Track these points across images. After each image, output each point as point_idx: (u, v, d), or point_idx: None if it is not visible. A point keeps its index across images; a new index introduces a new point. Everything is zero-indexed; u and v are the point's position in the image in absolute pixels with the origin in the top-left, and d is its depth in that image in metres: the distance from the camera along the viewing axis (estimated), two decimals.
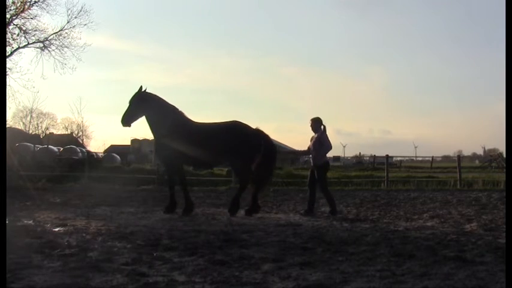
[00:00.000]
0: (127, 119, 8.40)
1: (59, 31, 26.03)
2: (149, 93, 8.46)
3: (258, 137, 8.39)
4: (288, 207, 9.78)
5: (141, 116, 8.45)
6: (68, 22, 26.14)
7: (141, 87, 8.39)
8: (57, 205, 9.82)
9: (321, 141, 8.34)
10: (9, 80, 25.12)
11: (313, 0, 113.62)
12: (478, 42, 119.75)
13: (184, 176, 8.80)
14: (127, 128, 8.52)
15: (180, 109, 8.55)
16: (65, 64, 26.19)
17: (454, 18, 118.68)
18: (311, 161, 8.60)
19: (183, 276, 3.94)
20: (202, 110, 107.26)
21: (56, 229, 6.49)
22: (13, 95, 26.49)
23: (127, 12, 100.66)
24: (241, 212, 8.26)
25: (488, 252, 4.87)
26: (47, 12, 25.46)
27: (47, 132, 56.99)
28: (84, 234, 5.97)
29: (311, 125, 8.56)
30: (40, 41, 25.90)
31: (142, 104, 8.33)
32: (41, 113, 55.61)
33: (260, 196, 8.75)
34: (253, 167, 8.34)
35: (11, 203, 8.97)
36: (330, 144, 8.50)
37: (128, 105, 8.39)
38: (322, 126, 8.51)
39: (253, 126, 8.57)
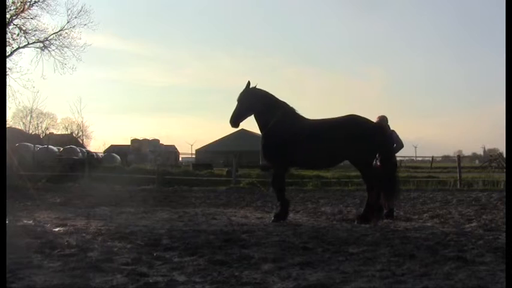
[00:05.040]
0: (235, 119, 7.74)
1: (59, 31, 26.11)
2: (257, 89, 7.80)
3: (379, 133, 7.47)
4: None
5: (250, 115, 7.80)
6: (68, 22, 26.22)
7: (248, 82, 7.74)
8: (57, 205, 9.82)
9: (392, 140, 7.98)
10: (9, 80, 25.20)
11: (314, 0, 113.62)
12: (478, 42, 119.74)
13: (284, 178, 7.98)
14: (235, 128, 8.00)
15: (291, 105, 7.82)
16: (65, 64, 26.28)
17: (454, 18, 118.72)
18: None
19: (183, 276, 3.94)
20: (202, 110, 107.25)
21: (56, 229, 6.49)
22: (13, 95, 26.60)
23: (127, 12, 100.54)
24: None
25: (488, 252, 4.86)
26: (47, 12, 25.58)
27: (47, 132, 56.98)
28: (84, 234, 5.97)
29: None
30: (40, 41, 25.95)
31: (250, 101, 7.68)
32: (41, 113, 55.64)
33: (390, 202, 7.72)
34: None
35: (11, 203, 8.97)
36: (402, 143, 8.12)
37: (236, 103, 7.78)
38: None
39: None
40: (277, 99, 7.80)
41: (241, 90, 7.81)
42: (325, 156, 7.49)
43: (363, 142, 7.25)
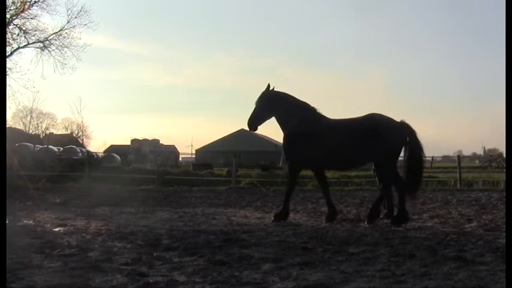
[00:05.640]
0: (254, 122, 7.66)
1: (59, 31, 26.15)
2: (277, 91, 7.70)
3: (402, 132, 7.23)
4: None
5: (269, 118, 7.72)
6: (68, 22, 26.27)
7: (268, 85, 7.65)
8: (57, 205, 9.82)
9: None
10: (9, 80, 25.23)
11: (314, 0, 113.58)
12: (478, 42, 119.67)
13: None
14: (253, 131, 7.84)
15: (312, 105, 7.66)
16: (65, 64, 26.33)
17: (454, 18, 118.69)
18: None
19: (183, 276, 3.94)
20: (201, 110, 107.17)
21: (56, 229, 6.49)
22: (13, 95, 26.63)
23: (127, 12, 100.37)
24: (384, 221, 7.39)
25: (488, 252, 4.86)
26: (47, 12, 25.61)
27: (47, 132, 56.98)
28: (84, 234, 5.97)
29: None
30: (40, 41, 25.99)
31: (270, 104, 7.59)
32: (41, 113, 55.64)
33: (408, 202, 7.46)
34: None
35: (11, 203, 8.98)
36: None
37: (254, 106, 7.69)
38: None
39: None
40: (298, 100, 7.71)
41: (258, 92, 7.70)
42: (349, 156, 7.34)
43: (387, 141, 7.06)
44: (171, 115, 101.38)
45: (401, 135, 7.21)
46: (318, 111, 7.66)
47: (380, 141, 7.04)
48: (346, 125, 7.39)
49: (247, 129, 7.83)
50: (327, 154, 7.31)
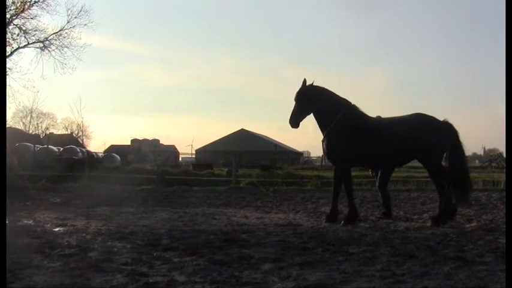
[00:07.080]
0: (295, 119, 7.44)
1: (59, 31, 26.14)
2: (315, 86, 7.44)
3: (446, 132, 7.18)
4: (288, 207, 9.78)
5: (309, 113, 7.49)
6: (68, 22, 26.26)
7: (304, 80, 7.41)
8: (57, 205, 9.81)
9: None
10: (9, 80, 25.19)
11: (314, 0, 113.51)
12: (478, 42, 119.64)
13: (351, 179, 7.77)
14: (295, 129, 7.52)
15: (353, 103, 7.47)
16: (65, 64, 26.29)
17: (454, 18, 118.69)
18: None
19: (183, 276, 3.95)
20: (201, 110, 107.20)
21: (56, 229, 6.49)
22: (13, 95, 26.60)
23: (127, 12, 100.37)
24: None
25: (488, 252, 4.86)
26: (47, 12, 25.57)
27: (47, 132, 57.02)
28: (84, 234, 5.97)
29: None
30: (40, 41, 25.97)
31: (309, 99, 7.37)
32: (41, 113, 55.73)
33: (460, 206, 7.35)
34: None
35: (11, 203, 8.97)
36: None
37: (294, 103, 7.49)
38: None
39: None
40: (339, 96, 7.53)
41: (297, 89, 7.51)
42: (393, 155, 7.27)
43: (432, 141, 7.05)
44: (171, 115, 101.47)
45: (445, 134, 7.16)
46: (359, 109, 7.50)
47: (431, 140, 7.05)
48: (393, 124, 7.31)
49: (291, 126, 7.50)
50: (374, 152, 7.22)
